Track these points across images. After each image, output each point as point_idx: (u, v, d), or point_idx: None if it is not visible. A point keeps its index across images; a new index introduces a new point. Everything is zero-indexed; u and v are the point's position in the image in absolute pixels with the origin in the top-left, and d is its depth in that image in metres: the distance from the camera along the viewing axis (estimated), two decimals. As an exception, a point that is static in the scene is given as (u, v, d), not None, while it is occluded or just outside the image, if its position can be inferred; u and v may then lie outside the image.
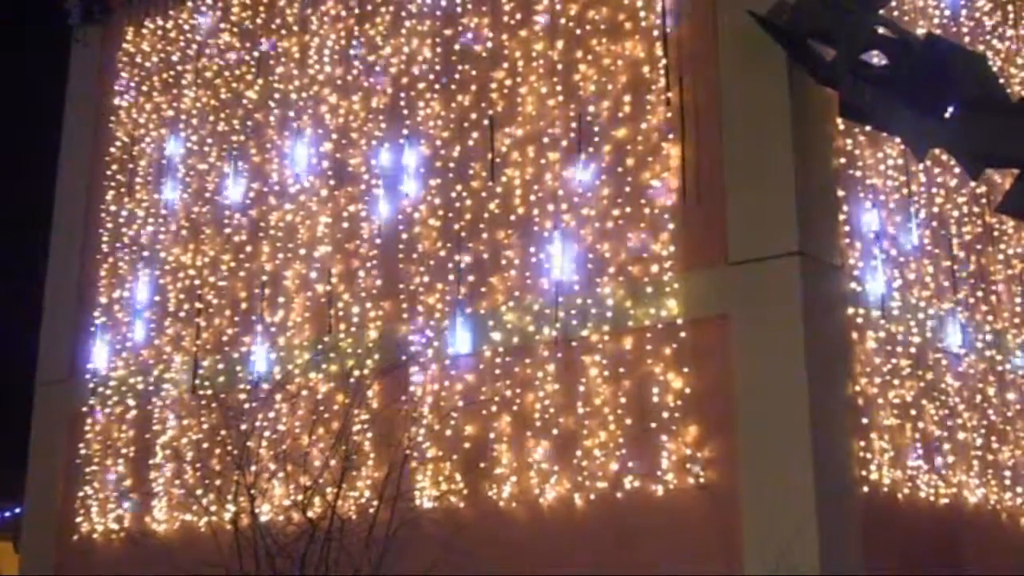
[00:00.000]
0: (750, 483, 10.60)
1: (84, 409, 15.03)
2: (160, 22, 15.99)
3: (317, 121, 14.21)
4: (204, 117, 15.21)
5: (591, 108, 12.25)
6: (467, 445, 12.17)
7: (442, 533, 11.25)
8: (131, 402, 14.72)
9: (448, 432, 12.25)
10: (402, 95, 13.59)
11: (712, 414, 10.99)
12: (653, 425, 11.20)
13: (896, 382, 11.75)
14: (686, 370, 11.20)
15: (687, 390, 11.15)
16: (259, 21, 15.04)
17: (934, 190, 13.15)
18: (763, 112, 11.22)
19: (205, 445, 13.64)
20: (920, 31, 12.87)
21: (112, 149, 15.91)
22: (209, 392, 13.75)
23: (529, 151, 12.55)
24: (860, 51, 10.70)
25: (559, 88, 12.49)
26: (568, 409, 11.70)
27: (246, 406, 12.81)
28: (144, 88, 15.90)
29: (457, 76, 13.21)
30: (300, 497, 10.80)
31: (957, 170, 12.87)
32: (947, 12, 13.98)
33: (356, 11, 14.20)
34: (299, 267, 13.89)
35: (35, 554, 15.43)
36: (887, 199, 12.32)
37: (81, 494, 14.78)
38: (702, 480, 10.91)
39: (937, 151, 12.23)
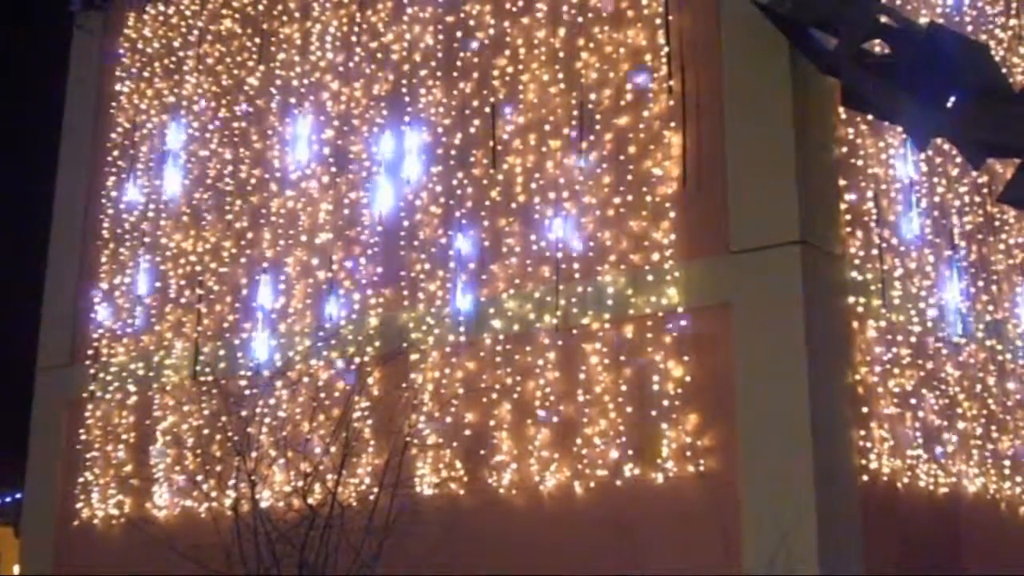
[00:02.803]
0: (750, 471, 10.62)
1: (85, 395, 15.05)
2: (161, 8, 15.97)
3: (318, 108, 14.20)
4: (205, 103, 15.20)
5: (593, 96, 12.24)
6: (468, 432, 12.18)
7: (442, 520, 11.27)
8: (132, 388, 14.74)
9: (448, 419, 12.26)
10: (404, 82, 13.58)
11: (712, 402, 11.00)
12: (653, 413, 11.22)
13: (896, 371, 11.76)
14: (686, 359, 11.21)
15: (687, 378, 11.16)
16: (261, 7, 15.02)
17: (935, 179, 13.15)
18: (765, 101, 11.21)
19: (206, 432, 13.64)
20: (923, 20, 12.86)
21: (113, 135, 15.91)
22: (210, 378, 13.75)
23: (531, 138, 12.54)
24: (862, 40, 10.68)
25: (561, 76, 12.48)
26: (568, 397, 11.71)
27: (247, 393, 12.83)
28: (145, 74, 15.89)
29: (459, 63, 13.21)
30: (300, 483, 10.81)
31: (959, 159, 12.86)
32: (949, 1, 13.96)
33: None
34: (300, 254, 13.89)
35: (35, 539, 15.45)
36: (888, 188, 12.32)
37: (81, 480, 14.80)
38: (702, 468, 10.92)
39: (939, 140, 12.22)
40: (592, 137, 12.17)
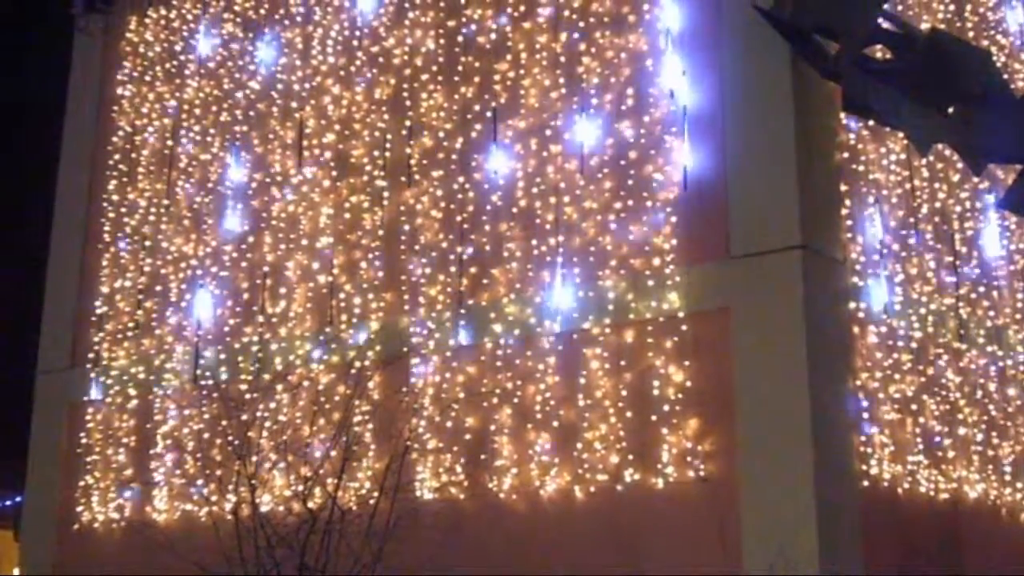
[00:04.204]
0: (750, 476, 10.61)
1: (85, 398, 15.04)
2: (163, 11, 15.97)
3: (320, 112, 14.20)
4: (206, 107, 15.20)
5: (594, 100, 12.24)
6: (468, 437, 12.17)
7: (442, 524, 11.27)
8: (132, 392, 14.73)
9: (449, 424, 12.26)
10: (405, 86, 13.58)
11: (713, 407, 10.99)
12: (654, 418, 11.21)
13: (897, 377, 11.75)
14: (687, 363, 11.20)
15: (688, 383, 11.15)
16: (262, 11, 15.03)
17: (936, 185, 13.14)
18: (766, 106, 11.21)
19: (206, 435, 13.64)
20: (924, 26, 12.86)
21: (114, 139, 15.91)
22: (210, 382, 13.75)
23: (532, 143, 12.54)
24: (864, 45, 10.68)
25: (562, 80, 12.48)
26: (569, 401, 11.70)
27: (247, 397, 12.83)
28: (147, 78, 15.89)
29: (460, 67, 13.21)
30: (301, 487, 10.81)
31: (960, 165, 12.87)
32: (951, 6, 13.96)
33: (359, 1, 14.19)
34: (301, 258, 13.89)
35: (35, 543, 15.44)
36: (889, 194, 12.32)
37: (82, 484, 14.79)
38: (702, 473, 10.92)
39: (940, 146, 12.23)
40: (593, 142, 12.16)
